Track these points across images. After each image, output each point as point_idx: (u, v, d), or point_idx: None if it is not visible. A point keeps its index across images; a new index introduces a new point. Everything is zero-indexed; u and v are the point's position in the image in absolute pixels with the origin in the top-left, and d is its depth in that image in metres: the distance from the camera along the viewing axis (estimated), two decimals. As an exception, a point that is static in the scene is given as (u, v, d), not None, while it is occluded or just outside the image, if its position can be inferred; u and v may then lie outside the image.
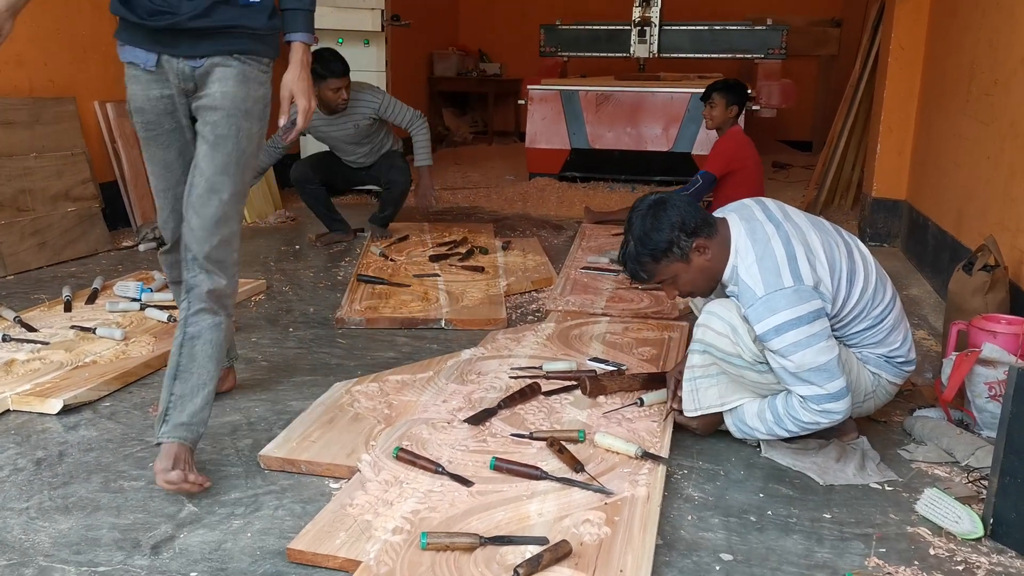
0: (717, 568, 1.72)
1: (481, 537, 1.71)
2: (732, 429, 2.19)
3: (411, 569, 1.62)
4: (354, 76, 4.47)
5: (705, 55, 7.63)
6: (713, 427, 2.26)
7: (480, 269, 3.97)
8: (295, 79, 2.03)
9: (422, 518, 1.80)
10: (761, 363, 2.09)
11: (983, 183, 3.36)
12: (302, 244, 4.71)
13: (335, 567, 1.67)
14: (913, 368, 2.30)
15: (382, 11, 5.77)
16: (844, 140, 5.54)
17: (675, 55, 7.57)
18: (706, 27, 7.50)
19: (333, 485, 2.01)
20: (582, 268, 4.08)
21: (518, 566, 1.61)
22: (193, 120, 2.04)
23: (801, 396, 2.03)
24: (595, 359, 2.81)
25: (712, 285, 2.20)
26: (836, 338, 2.15)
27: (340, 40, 5.85)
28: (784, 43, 7.47)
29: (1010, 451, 1.78)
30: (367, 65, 5.92)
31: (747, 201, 2.26)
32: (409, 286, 3.69)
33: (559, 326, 3.20)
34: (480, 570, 1.63)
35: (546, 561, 1.63)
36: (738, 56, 7.62)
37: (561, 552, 1.66)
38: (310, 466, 2.08)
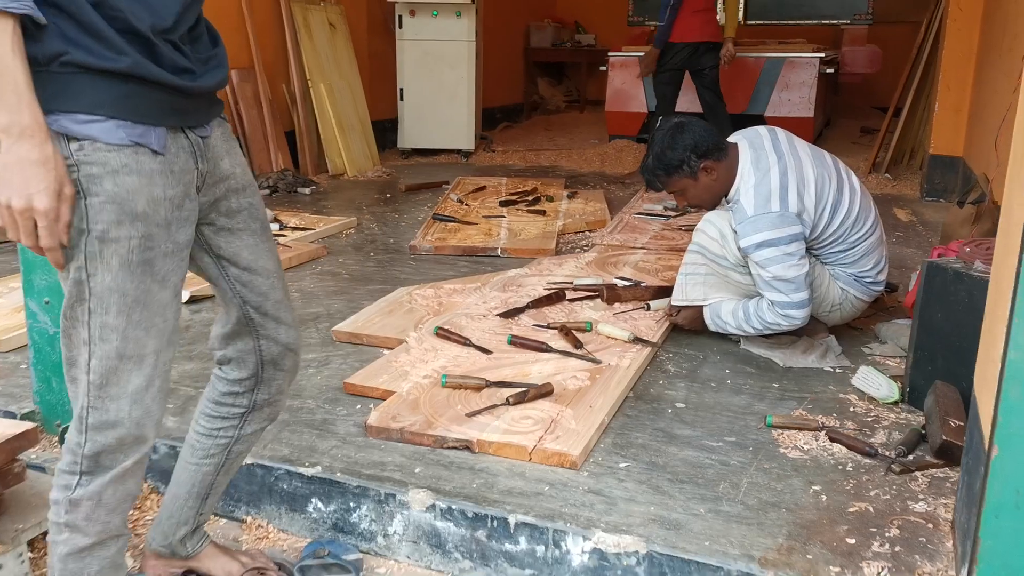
0: (669, 412, 2.19)
1: (487, 380, 2.24)
2: (707, 321, 2.63)
3: (431, 398, 2.17)
4: (446, 46, 4.92)
5: (791, 21, 7.82)
6: (695, 323, 2.69)
7: (542, 212, 4.47)
8: None
9: (448, 371, 2.35)
10: (743, 266, 2.53)
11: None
12: (394, 192, 5.33)
13: (377, 396, 2.24)
14: (881, 288, 2.67)
15: (472, -15, 6.30)
16: (910, 100, 5.71)
17: (761, 22, 7.80)
18: (792, -7, 7.70)
19: (385, 352, 2.58)
20: (636, 213, 4.53)
21: (509, 396, 2.13)
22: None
23: (770, 300, 2.45)
24: (620, 277, 3.28)
25: (715, 201, 2.62)
26: (814, 256, 2.56)
27: (435, 12, 6.42)
28: (871, 9, 7.57)
29: (921, 330, 2.16)
30: (459, 35, 6.48)
31: (761, 130, 2.66)
32: (477, 224, 4.24)
33: (599, 255, 3.67)
34: (483, 401, 2.16)
35: (531, 395, 2.15)
36: (824, 22, 7.77)
37: (544, 390, 2.17)
38: (370, 339, 2.66)
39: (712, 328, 2.63)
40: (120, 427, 1.26)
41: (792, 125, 6.54)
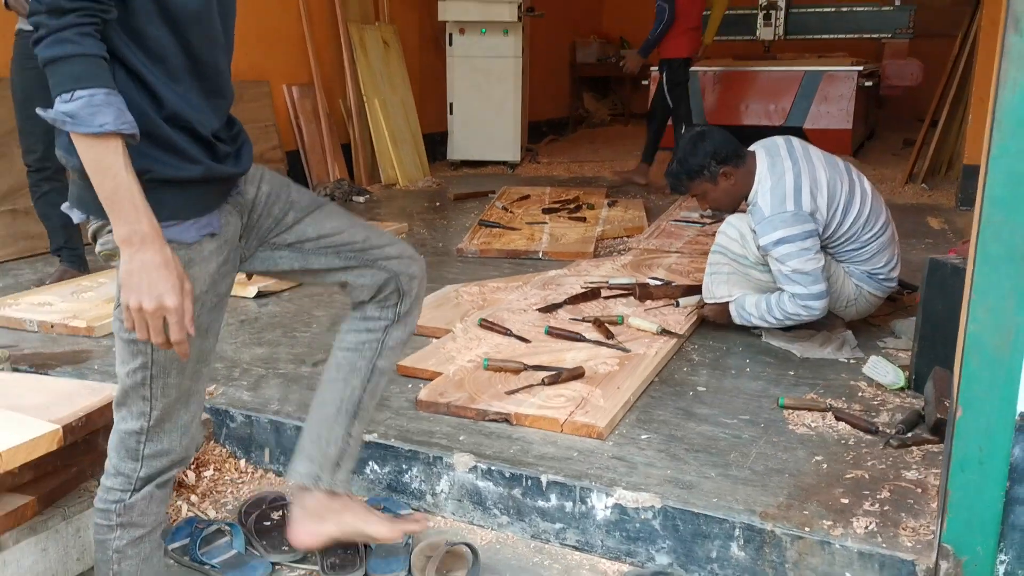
0: (691, 394, 2.41)
1: (525, 364, 2.48)
2: (733, 314, 2.83)
3: (474, 378, 2.42)
4: (494, 62, 5.28)
5: (832, 35, 7.95)
6: (722, 316, 2.89)
7: (583, 219, 4.71)
8: None
9: (489, 356, 2.59)
10: (763, 264, 2.73)
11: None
12: (443, 201, 5.62)
13: (426, 377, 2.49)
14: (894, 285, 2.85)
15: (519, 4, 6.58)
16: (946, 112, 5.82)
17: (802, 36, 7.95)
18: (833, 9, 7.83)
19: (434, 340, 2.84)
20: (673, 220, 4.74)
21: (544, 377, 2.37)
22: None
23: (791, 293, 2.65)
24: (653, 278, 3.50)
25: (734, 204, 2.84)
26: (829, 254, 2.75)
27: (483, 31, 6.72)
28: (912, 23, 7.68)
29: (925, 321, 2.35)
30: (506, 51, 6.77)
31: (777, 139, 2.87)
32: (520, 229, 4.50)
33: (635, 258, 3.89)
34: (521, 382, 2.40)
35: (564, 377, 2.39)
36: (865, 36, 7.89)
37: (576, 373, 2.41)
38: (420, 328, 2.90)
39: (737, 321, 2.82)
40: (172, 454, 1.43)
41: (831, 137, 6.75)
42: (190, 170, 1.28)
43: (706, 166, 2.75)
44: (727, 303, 2.85)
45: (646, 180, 6.21)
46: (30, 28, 1.16)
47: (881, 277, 2.80)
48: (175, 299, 1.21)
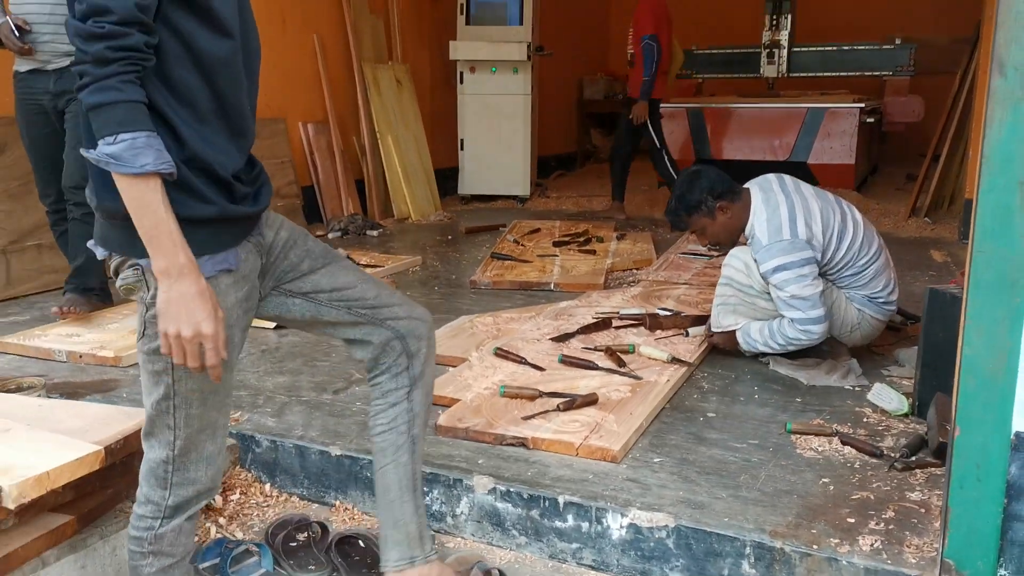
0: (701, 419, 2.49)
1: (540, 391, 2.56)
2: (740, 341, 2.91)
3: (492, 405, 2.51)
4: (504, 99, 5.45)
5: (834, 73, 8.11)
6: (730, 342, 2.97)
7: (593, 252, 4.81)
8: None
9: (506, 384, 2.68)
10: (767, 293, 2.83)
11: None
12: (455, 234, 5.74)
13: (444, 403, 2.57)
14: (894, 309, 2.94)
15: (528, 44, 6.76)
16: (947, 147, 5.94)
17: (805, 74, 8.11)
18: (835, 48, 8.00)
19: (450, 369, 2.93)
20: (681, 253, 4.84)
21: (559, 403, 2.46)
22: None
23: (790, 319, 2.74)
24: (663, 308, 3.59)
25: (732, 238, 2.94)
26: (830, 281, 2.85)
27: (494, 69, 6.90)
28: (912, 61, 7.83)
29: (926, 348, 2.43)
30: (516, 89, 6.94)
31: (769, 176, 2.99)
32: (531, 262, 4.60)
33: (644, 289, 3.99)
34: (536, 408, 2.48)
35: (579, 403, 2.47)
36: (867, 74, 8.04)
37: (590, 399, 2.49)
38: (436, 357, 3.00)
39: (744, 347, 2.91)
40: (199, 483, 1.49)
41: (834, 172, 6.88)
42: (204, 210, 1.34)
43: (703, 201, 2.86)
44: (735, 331, 2.94)
45: (624, 214, 6.37)
46: (27, 69, 1.25)
47: (881, 301, 2.89)
48: (211, 326, 1.29)
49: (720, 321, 2.97)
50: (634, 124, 6.15)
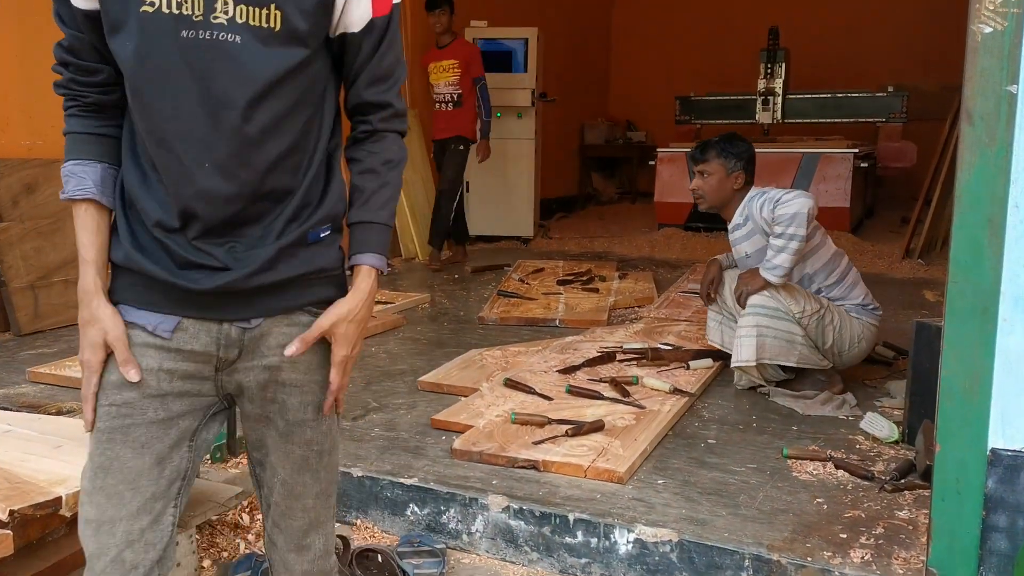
0: (702, 445, 2.63)
1: (549, 418, 2.70)
2: (762, 274, 2.96)
3: (503, 431, 2.64)
4: (508, 143, 5.65)
5: (828, 120, 8.36)
6: (757, 283, 3.00)
7: (596, 290, 4.97)
8: (349, 317, 1.28)
9: (516, 411, 2.82)
10: (796, 317, 2.96)
11: None
12: (461, 274, 5.91)
13: (458, 429, 2.71)
14: (881, 313, 3.17)
15: (532, 90, 7.01)
16: (938, 191, 6.14)
17: (799, 120, 8.35)
18: (829, 95, 8.26)
19: (462, 399, 3.07)
20: (681, 291, 5.00)
21: (567, 430, 2.59)
22: (227, 400, 1.32)
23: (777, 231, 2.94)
24: (664, 343, 3.74)
25: (719, 202, 3.19)
26: (828, 299, 3.07)
27: (499, 114, 7.12)
28: (905, 107, 8.08)
29: (914, 378, 2.58)
30: (520, 134, 7.17)
31: (755, 191, 3.18)
32: (537, 299, 4.76)
33: (646, 325, 4.14)
34: (546, 434, 2.62)
35: (586, 429, 2.61)
36: (860, 120, 8.29)
37: (597, 426, 2.63)
38: (449, 387, 3.15)
39: (771, 277, 2.94)
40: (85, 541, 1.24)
41: (829, 214, 7.06)
42: (113, 253, 1.25)
43: (737, 155, 3.12)
44: (756, 270, 3.01)
45: (465, 255, 6.45)
46: None
47: (871, 307, 3.14)
48: (86, 354, 1.23)
49: (710, 336, 3.22)
50: (479, 163, 6.42)
